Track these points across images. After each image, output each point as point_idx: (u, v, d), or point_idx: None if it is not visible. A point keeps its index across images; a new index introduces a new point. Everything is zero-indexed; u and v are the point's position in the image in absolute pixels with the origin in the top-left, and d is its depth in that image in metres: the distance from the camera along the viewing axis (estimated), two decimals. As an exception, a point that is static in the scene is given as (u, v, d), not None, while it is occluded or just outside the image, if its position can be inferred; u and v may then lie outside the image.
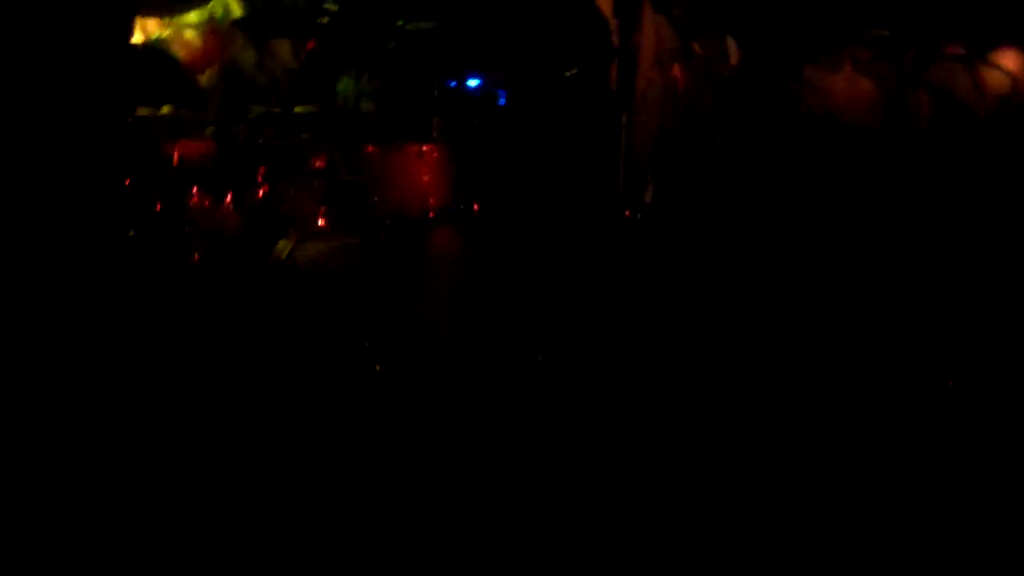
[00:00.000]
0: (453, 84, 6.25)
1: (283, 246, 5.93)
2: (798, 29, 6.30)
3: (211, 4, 6.45)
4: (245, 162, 6.08)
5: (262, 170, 6.06)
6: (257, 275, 5.62)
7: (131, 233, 5.39)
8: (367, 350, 5.14)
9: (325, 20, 6.35)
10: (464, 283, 5.67)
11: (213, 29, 6.50)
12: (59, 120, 4.28)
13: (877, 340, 5.09)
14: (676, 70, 6.08)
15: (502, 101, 6.21)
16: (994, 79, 6.55)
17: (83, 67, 4.35)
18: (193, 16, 6.49)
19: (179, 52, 6.42)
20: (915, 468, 3.90)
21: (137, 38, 5.99)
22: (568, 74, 6.16)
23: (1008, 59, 6.59)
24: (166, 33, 6.31)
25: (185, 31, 6.50)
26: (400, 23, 6.26)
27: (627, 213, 6.04)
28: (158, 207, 5.80)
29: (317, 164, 6.19)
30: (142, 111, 5.97)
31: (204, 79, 6.50)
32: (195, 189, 5.91)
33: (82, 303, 4.18)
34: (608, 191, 6.05)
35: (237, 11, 6.43)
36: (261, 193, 6.07)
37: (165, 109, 6.29)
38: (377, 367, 5.16)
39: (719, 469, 3.88)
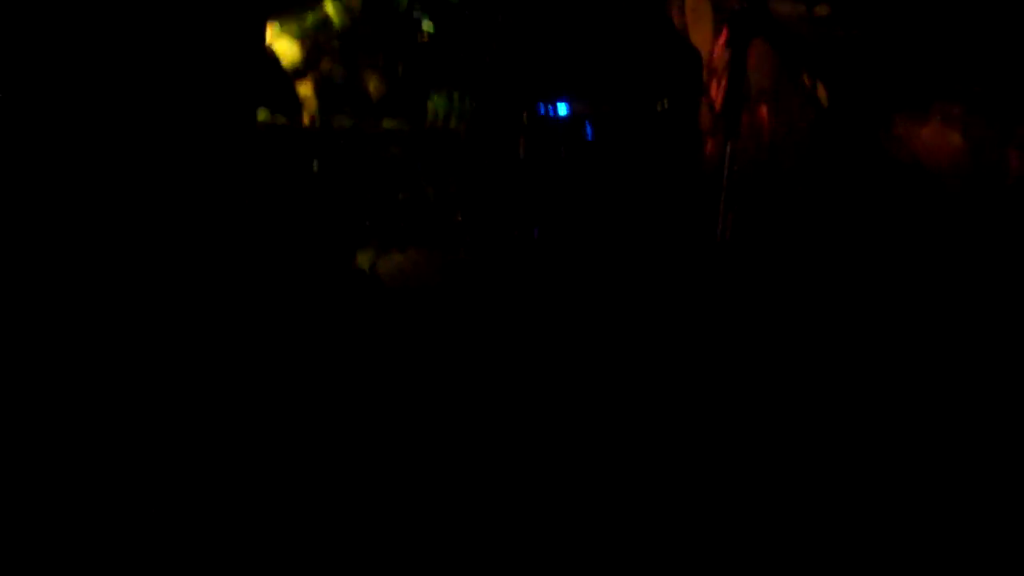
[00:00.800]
0: (543, 109, 6.34)
1: (365, 257, 6.05)
2: (889, 78, 6.29)
3: (310, 14, 6.60)
4: (336, 174, 6.22)
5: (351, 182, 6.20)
6: (340, 284, 5.74)
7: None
8: (446, 363, 5.22)
9: (425, 38, 6.48)
10: (541, 306, 5.74)
11: (312, 39, 6.66)
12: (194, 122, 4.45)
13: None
14: (763, 111, 6.10)
15: (589, 133, 6.28)
16: (1087, 141, 6.47)
17: (221, 70, 4.53)
18: (293, 25, 6.65)
19: (279, 59, 6.60)
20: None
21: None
22: (660, 107, 6.22)
23: (1102, 122, 6.51)
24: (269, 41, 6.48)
25: (285, 39, 6.67)
26: (495, 46, 6.37)
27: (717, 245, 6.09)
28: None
29: (404, 178, 6.32)
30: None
31: (301, 88, 6.66)
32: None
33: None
34: (699, 224, 6.09)
35: (336, 23, 6.58)
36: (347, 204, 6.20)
37: (262, 115, 6.45)
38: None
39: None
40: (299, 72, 6.67)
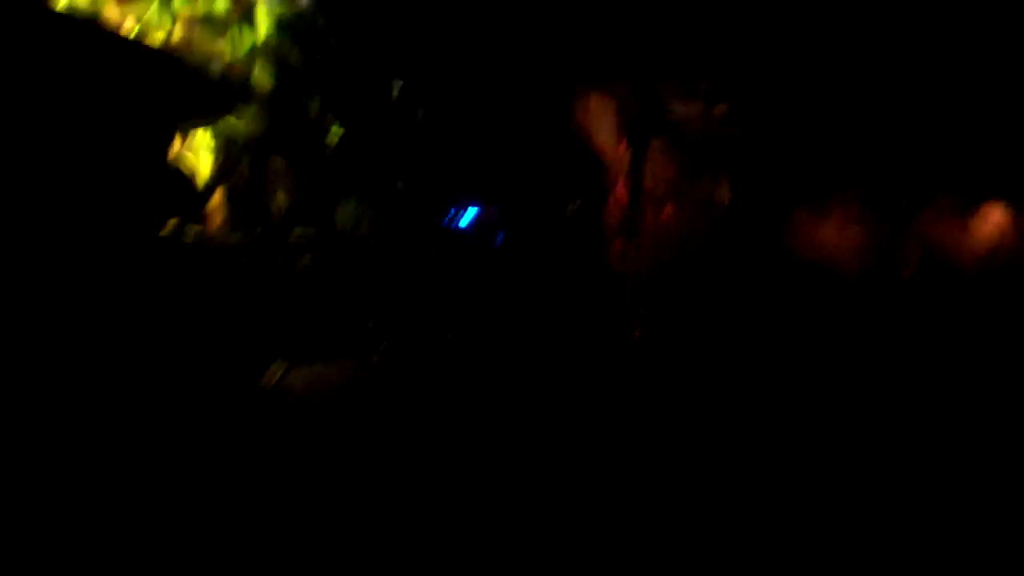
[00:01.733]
0: (452, 215, 6.39)
1: (275, 368, 5.96)
2: (789, 175, 6.46)
3: (220, 123, 6.61)
4: (245, 282, 6.17)
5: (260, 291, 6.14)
6: (250, 398, 5.65)
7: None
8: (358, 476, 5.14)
9: (332, 142, 6.51)
10: (454, 408, 5.69)
11: (222, 148, 6.66)
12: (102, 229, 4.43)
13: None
14: (668, 209, 6.21)
15: (499, 236, 6.34)
16: (980, 234, 6.69)
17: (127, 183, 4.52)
18: (205, 135, 6.66)
19: (189, 169, 6.59)
20: None
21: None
22: (570, 210, 6.30)
23: (995, 214, 6.74)
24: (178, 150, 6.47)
25: (196, 149, 6.67)
26: (404, 153, 6.44)
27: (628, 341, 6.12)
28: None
29: (314, 287, 6.28)
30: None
31: (212, 198, 6.64)
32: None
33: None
34: (608, 323, 6.13)
35: (246, 132, 6.59)
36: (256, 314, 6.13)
37: (171, 223, 6.40)
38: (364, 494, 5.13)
39: None
40: (210, 182, 6.66)
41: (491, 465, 5.13)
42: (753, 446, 5.29)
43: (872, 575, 4.02)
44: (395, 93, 6.47)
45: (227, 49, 6.30)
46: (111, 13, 5.88)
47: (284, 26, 6.34)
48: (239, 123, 6.57)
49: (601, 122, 6.25)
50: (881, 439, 5.42)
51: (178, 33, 6.11)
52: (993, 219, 6.76)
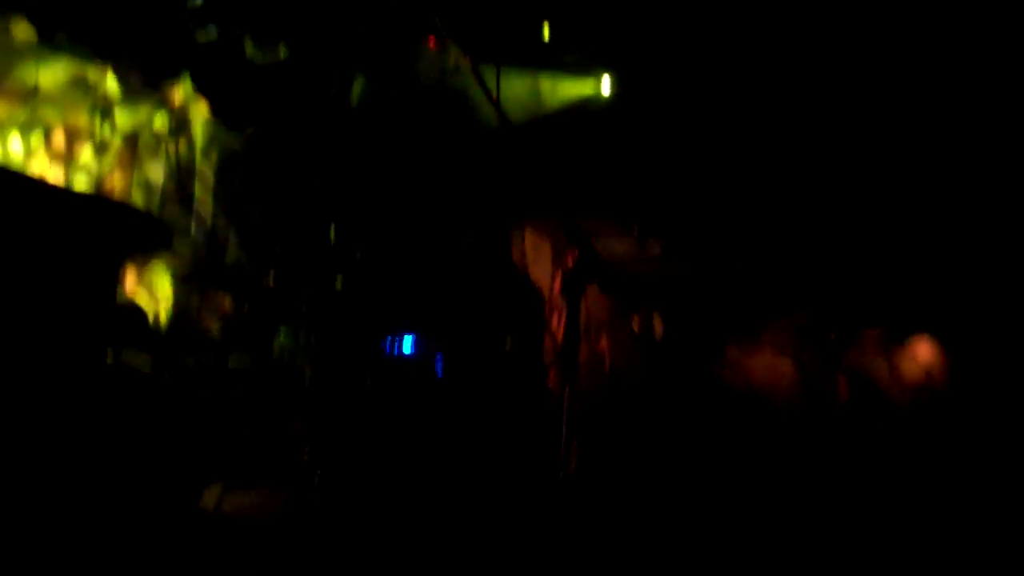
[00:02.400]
0: (389, 346, 6.44)
1: (211, 493, 5.93)
2: (721, 310, 6.60)
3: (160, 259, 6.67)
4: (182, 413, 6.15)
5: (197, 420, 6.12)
6: (188, 521, 5.59)
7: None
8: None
9: (270, 279, 6.59)
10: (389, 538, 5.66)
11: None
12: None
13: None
14: (603, 344, 6.31)
15: (436, 368, 6.39)
16: (909, 367, 6.81)
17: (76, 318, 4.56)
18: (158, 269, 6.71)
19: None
20: None
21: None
22: (508, 348, 6.38)
23: (922, 348, 6.87)
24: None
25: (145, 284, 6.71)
26: (339, 280, 6.51)
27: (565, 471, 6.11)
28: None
29: (250, 416, 6.28)
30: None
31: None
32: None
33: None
34: (544, 459, 6.13)
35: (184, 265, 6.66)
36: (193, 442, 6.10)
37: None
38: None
39: None
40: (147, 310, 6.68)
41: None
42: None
43: None
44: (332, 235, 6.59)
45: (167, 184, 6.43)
46: (40, 166, 6.02)
47: (223, 164, 6.48)
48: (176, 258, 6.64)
49: (536, 258, 6.39)
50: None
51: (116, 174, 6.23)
52: (921, 353, 6.90)
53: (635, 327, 6.42)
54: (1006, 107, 6.55)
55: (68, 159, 6.32)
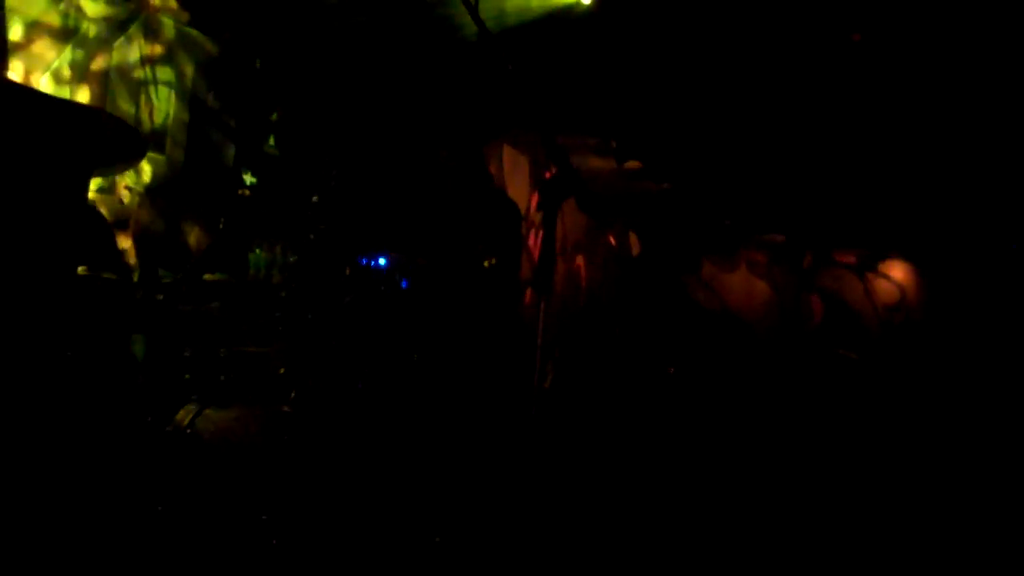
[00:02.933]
0: (364, 262, 6.40)
1: (185, 413, 5.90)
2: (698, 229, 6.60)
3: (133, 170, 6.57)
4: (155, 328, 6.10)
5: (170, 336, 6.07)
6: (159, 441, 5.57)
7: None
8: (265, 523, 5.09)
9: (246, 192, 6.51)
10: (359, 458, 5.67)
11: (134, 193, 6.61)
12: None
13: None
14: (579, 261, 6.30)
15: (408, 284, 6.36)
16: (883, 288, 6.88)
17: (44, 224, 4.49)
18: (116, 179, 6.61)
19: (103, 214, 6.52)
20: None
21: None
22: (487, 264, 6.36)
23: (896, 270, 6.94)
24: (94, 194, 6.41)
25: (107, 194, 6.61)
26: (315, 199, 6.45)
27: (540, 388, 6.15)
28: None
29: (225, 332, 6.23)
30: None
31: (121, 242, 6.57)
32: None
33: None
34: (517, 375, 6.16)
35: (157, 176, 6.57)
36: (166, 359, 6.07)
37: (81, 269, 6.32)
38: (274, 541, 5.09)
39: None
40: (120, 225, 6.60)
41: (402, 517, 5.13)
42: (662, 494, 5.36)
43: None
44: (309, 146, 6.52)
45: (142, 94, 6.31)
46: (17, 70, 5.87)
47: (201, 72, 6.35)
48: (151, 167, 6.54)
49: (517, 173, 6.35)
50: (791, 488, 5.53)
51: (92, 82, 6.10)
52: (894, 276, 6.96)
53: (612, 244, 6.41)
54: (979, 35, 6.53)
55: (38, 63, 6.16)
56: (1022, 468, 5.46)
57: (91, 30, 6.38)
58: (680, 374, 6.29)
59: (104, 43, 6.39)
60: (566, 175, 5.61)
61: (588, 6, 6.73)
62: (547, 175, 6.17)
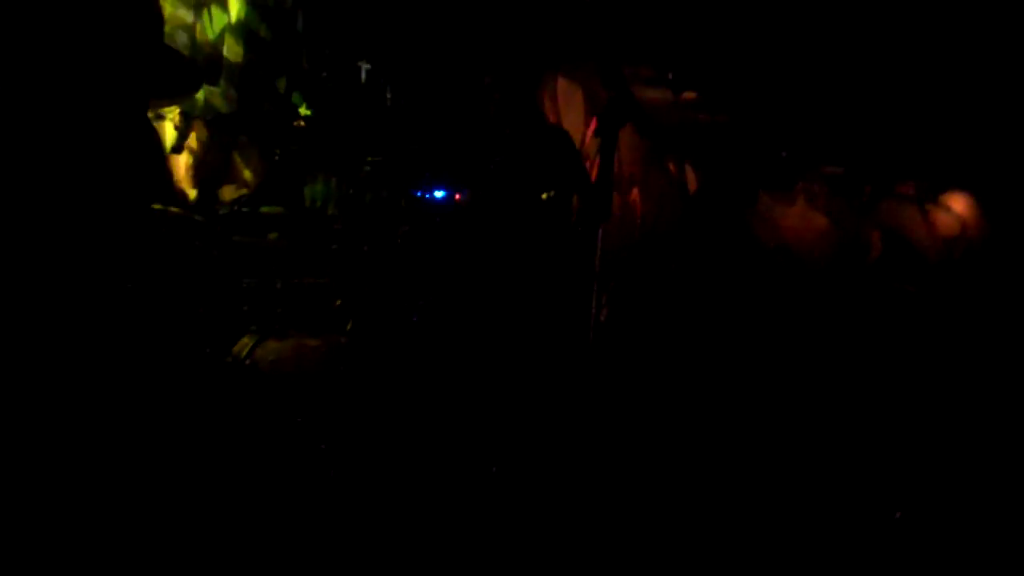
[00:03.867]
0: (421, 195, 6.38)
1: (244, 344, 5.96)
2: (756, 161, 6.52)
3: (190, 100, 6.57)
4: (212, 259, 6.14)
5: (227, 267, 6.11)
6: (216, 372, 5.64)
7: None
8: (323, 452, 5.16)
9: (301, 124, 6.50)
10: (419, 392, 5.72)
11: (190, 124, 6.62)
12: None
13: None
14: (635, 195, 6.25)
15: (466, 217, 6.32)
16: (943, 221, 6.78)
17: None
18: (173, 110, 6.62)
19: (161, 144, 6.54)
20: None
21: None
22: (545, 196, 6.30)
23: (957, 202, 6.84)
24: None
25: (164, 123, 6.62)
26: (373, 131, 6.43)
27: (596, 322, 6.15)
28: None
29: (282, 264, 6.26)
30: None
31: (178, 172, 6.60)
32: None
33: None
34: (575, 306, 6.16)
35: (215, 107, 6.58)
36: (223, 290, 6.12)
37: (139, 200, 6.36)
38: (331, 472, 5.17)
39: None
40: (177, 157, 6.62)
41: (458, 449, 5.18)
42: (722, 432, 5.37)
43: None
44: (363, 75, 6.49)
45: (197, 27, 6.28)
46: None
47: (255, 4, 6.32)
48: (209, 98, 6.55)
49: (569, 107, 6.28)
50: (850, 425, 5.52)
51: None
52: (955, 209, 6.86)
53: (671, 174, 6.35)
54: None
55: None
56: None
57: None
58: (735, 309, 6.27)
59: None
60: (624, 100, 5.55)
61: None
62: (603, 100, 6.11)
